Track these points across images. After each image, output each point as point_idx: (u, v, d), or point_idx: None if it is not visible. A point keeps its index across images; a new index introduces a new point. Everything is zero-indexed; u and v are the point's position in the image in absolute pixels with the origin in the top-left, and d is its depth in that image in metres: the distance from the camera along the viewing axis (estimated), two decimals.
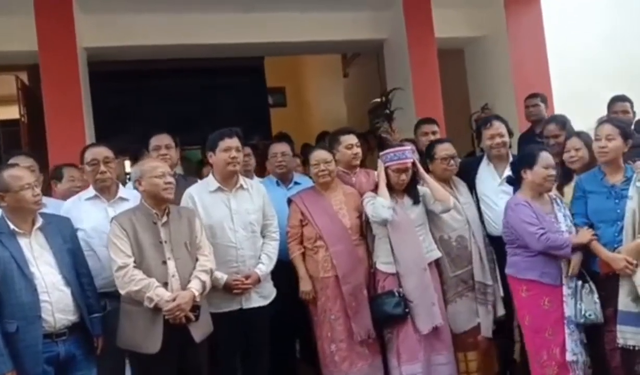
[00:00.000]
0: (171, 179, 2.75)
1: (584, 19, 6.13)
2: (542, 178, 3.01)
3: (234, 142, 3.05)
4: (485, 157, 3.54)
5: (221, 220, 3.01)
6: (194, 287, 2.66)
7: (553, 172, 3.03)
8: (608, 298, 2.92)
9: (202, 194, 3.05)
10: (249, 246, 3.04)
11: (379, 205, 3.08)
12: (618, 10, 6.29)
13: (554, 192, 3.14)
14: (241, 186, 3.10)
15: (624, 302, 2.84)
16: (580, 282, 2.94)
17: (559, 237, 2.94)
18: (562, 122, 3.64)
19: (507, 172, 3.35)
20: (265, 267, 3.07)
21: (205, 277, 2.73)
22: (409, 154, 3.22)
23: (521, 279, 3.05)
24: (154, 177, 2.70)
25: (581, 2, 6.15)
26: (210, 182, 3.11)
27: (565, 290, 2.95)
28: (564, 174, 3.27)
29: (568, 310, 2.94)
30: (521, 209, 3.00)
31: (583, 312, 2.89)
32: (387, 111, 4.00)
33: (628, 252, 2.82)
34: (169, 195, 2.73)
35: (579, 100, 5.13)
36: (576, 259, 2.94)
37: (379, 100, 5.21)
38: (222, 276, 2.93)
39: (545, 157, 3.04)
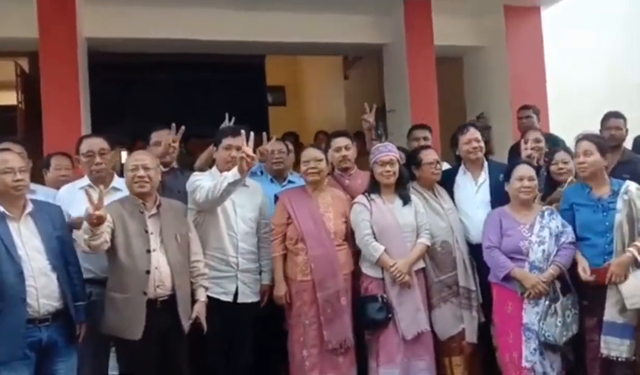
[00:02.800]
0: (144, 173, 2.77)
1: (583, 33, 6.19)
2: (515, 189, 3.14)
3: (237, 141, 3.08)
4: (462, 166, 3.59)
5: (226, 210, 3.10)
6: (202, 297, 2.89)
7: (528, 182, 3.11)
8: (592, 307, 2.97)
9: (209, 178, 3.13)
10: (247, 240, 3.16)
11: (372, 250, 3.14)
12: (615, 28, 6.36)
13: (546, 205, 3.19)
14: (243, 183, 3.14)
15: (610, 312, 2.88)
16: (547, 302, 2.97)
17: (501, 260, 3.07)
18: (547, 135, 3.81)
19: (482, 179, 3.45)
20: (268, 275, 3.24)
21: (207, 284, 2.94)
22: (393, 149, 3.30)
23: (493, 282, 3.17)
24: (128, 170, 2.78)
25: (581, 17, 6.20)
26: (214, 174, 3.18)
27: (527, 299, 3.01)
28: (550, 186, 3.34)
29: (526, 317, 3.00)
30: (489, 220, 3.21)
31: (543, 332, 2.95)
32: (380, 132, 4.04)
33: (618, 264, 2.87)
34: (138, 188, 2.77)
35: (575, 114, 5.19)
36: (530, 282, 2.98)
37: (378, 106, 5.21)
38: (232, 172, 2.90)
39: (519, 169, 3.15)
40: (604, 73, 6.10)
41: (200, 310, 2.87)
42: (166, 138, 3.34)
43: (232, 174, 2.87)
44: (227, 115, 3.68)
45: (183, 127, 3.39)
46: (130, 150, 4.48)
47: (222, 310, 3.03)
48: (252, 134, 2.89)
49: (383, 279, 3.17)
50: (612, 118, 3.97)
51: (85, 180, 3.04)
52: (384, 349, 3.13)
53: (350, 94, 8.23)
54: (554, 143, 3.91)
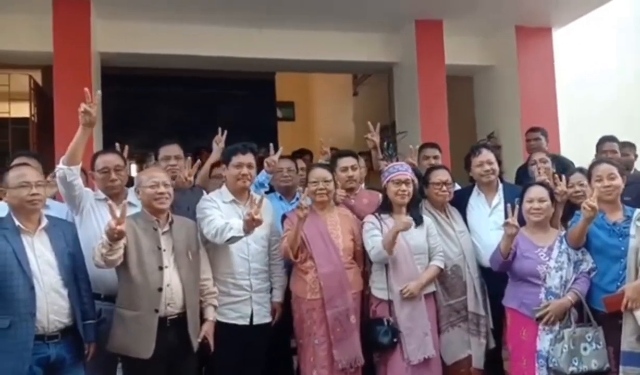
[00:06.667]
0: (164, 189, 2.77)
1: (595, 53, 6.20)
2: (526, 211, 3.12)
3: (247, 158, 3.10)
4: (475, 187, 3.57)
5: None
6: (211, 317, 2.89)
7: (537, 204, 3.08)
8: (608, 337, 2.89)
9: (219, 202, 3.11)
10: (260, 260, 3.13)
11: (381, 255, 3.09)
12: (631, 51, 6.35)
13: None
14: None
15: (628, 341, 2.79)
16: (558, 328, 2.92)
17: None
18: (553, 156, 3.85)
19: (496, 201, 3.43)
20: (279, 292, 3.23)
21: (216, 303, 2.94)
22: (409, 169, 3.29)
23: (508, 307, 3.13)
24: (147, 187, 2.76)
25: (598, 40, 6.20)
26: (224, 193, 3.17)
27: (541, 325, 2.96)
28: (568, 209, 3.28)
29: (540, 344, 2.95)
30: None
31: (551, 358, 2.90)
32: (391, 152, 4.02)
33: (633, 289, 2.80)
34: (160, 205, 2.76)
35: (590, 138, 5.16)
36: (552, 307, 2.92)
37: (386, 124, 5.22)
38: (238, 225, 2.86)
39: (530, 191, 3.13)
40: (619, 98, 6.07)
41: (208, 329, 2.85)
42: (182, 172, 3.32)
43: (237, 229, 2.84)
44: (220, 130, 3.72)
45: (199, 161, 3.42)
46: (141, 164, 4.46)
47: (238, 335, 3.02)
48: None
49: (391, 301, 3.13)
50: (607, 142, 3.99)
51: (100, 194, 3.04)
52: (391, 373, 3.09)
53: (359, 110, 8.26)
54: (563, 165, 3.87)
